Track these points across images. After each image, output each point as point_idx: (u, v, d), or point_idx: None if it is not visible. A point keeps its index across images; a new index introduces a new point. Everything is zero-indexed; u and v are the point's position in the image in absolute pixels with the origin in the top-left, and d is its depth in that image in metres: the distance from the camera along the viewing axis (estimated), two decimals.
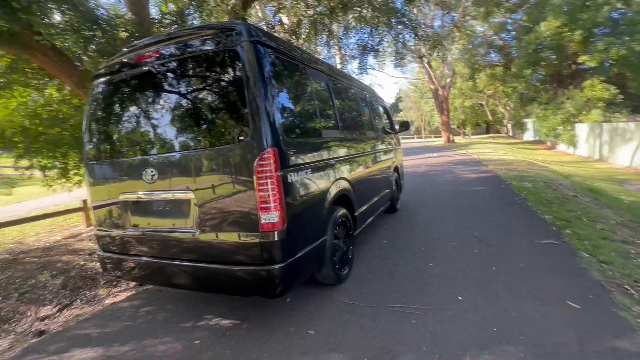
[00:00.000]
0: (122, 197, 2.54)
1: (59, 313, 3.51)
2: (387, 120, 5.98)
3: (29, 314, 3.53)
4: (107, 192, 2.63)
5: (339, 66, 14.24)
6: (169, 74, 2.34)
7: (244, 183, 2.08)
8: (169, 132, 2.33)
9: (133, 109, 2.47)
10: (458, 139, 33.24)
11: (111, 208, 2.62)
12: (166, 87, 2.35)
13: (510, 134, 35.69)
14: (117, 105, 2.56)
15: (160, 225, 2.42)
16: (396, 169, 5.67)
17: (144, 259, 2.50)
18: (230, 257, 2.18)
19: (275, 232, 2.07)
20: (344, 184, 3.09)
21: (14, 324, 3.35)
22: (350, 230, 3.21)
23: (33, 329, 3.18)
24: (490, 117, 35.98)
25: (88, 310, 3.40)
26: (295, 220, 2.24)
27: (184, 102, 2.29)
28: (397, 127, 6.00)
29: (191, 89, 2.30)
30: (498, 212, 5.07)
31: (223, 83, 2.20)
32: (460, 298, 2.59)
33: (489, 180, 8.12)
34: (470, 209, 5.35)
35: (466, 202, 5.89)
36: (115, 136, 2.57)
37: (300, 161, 2.37)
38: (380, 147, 4.67)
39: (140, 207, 2.49)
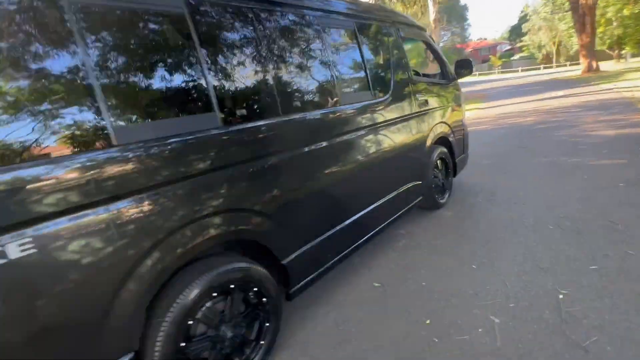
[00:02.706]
0: None
1: None
2: (438, 63, 3.74)
3: None
4: None
5: None
6: None
7: None
8: None
9: None
10: (606, 66, 24.62)
11: None
12: None
13: None
14: None
15: None
16: (445, 141, 3.57)
17: None
18: None
19: None
20: (216, 229, 1.53)
21: None
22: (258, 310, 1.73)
23: None
24: None
25: None
26: None
27: None
28: (452, 70, 3.71)
29: None
30: (638, 230, 2.64)
31: None
32: None
33: (639, 144, 4.94)
34: (575, 216, 2.99)
35: (573, 196, 3.42)
36: None
37: None
38: (395, 115, 2.71)
39: None
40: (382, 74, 2.68)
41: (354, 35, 2.43)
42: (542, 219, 3.00)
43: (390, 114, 2.67)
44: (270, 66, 1.81)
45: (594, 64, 21.62)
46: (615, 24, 25.92)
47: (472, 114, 11.82)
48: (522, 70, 41.66)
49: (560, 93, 13.54)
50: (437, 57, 3.65)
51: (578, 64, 25.86)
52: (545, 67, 39.79)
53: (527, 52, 49.99)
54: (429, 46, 3.54)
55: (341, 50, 2.34)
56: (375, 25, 2.67)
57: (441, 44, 59.15)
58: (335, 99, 2.18)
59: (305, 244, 1.96)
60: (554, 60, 41.48)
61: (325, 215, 2.13)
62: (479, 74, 44.93)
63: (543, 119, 8.43)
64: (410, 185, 2.99)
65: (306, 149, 1.93)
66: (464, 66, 3.59)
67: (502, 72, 44.26)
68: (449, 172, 3.69)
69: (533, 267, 2.33)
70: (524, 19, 48.51)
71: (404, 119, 2.85)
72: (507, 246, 2.64)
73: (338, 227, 2.17)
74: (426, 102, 3.18)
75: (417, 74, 3.80)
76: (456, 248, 2.74)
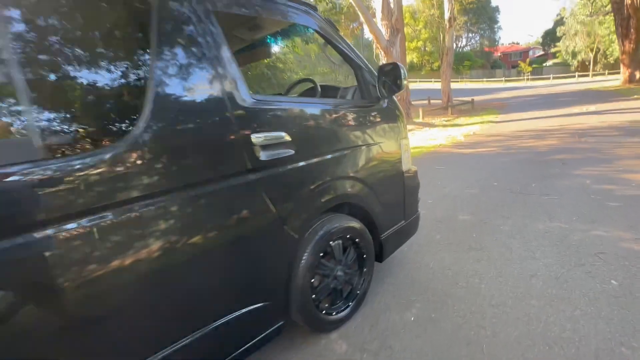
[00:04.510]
0: None
1: None
2: (353, 72, 2.16)
3: None
4: None
5: None
6: None
7: None
8: None
9: None
10: None
11: None
12: None
13: None
14: None
15: None
16: (356, 209, 2.01)
17: None
18: None
19: None
20: None
21: None
22: None
23: None
24: None
25: None
26: None
27: None
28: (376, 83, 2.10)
29: None
30: None
31: None
32: None
33: None
34: None
35: (568, 352, 1.74)
36: None
37: None
38: (158, 184, 1.19)
39: None
40: (103, 96, 1.15)
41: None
42: None
43: (140, 181, 1.13)
44: None
45: (637, 74, 18.90)
46: None
47: (481, 128, 9.99)
48: (553, 78, 38.40)
49: (593, 108, 11.40)
50: (348, 61, 2.06)
51: (618, 73, 22.96)
52: (580, 76, 36.32)
53: (561, 59, 46.27)
54: (327, 40, 1.94)
55: None
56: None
57: (467, 47, 55.99)
58: None
59: None
60: (590, 68, 37.87)
61: None
62: (506, 80, 41.94)
63: (565, 144, 6.56)
64: (235, 315, 1.45)
65: None
66: (389, 74, 1.99)
67: (531, 79, 41.04)
68: (363, 261, 2.11)
69: None
70: (559, 22, 44.86)
71: (203, 187, 1.31)
72: None
73: None
74: (289, 144, 1.61)
75: (314, 90, 2.26)
76: None
